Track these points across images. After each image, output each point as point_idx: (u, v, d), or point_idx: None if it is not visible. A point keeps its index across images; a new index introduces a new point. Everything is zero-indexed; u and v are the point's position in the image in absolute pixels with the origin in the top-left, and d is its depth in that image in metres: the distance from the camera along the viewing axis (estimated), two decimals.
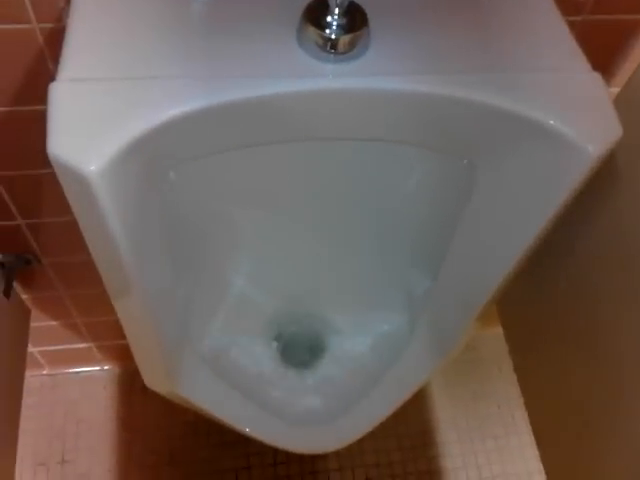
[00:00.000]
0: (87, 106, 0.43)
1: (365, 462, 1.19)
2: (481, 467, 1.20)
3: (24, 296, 0.98)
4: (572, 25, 0.54)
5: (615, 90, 0.65)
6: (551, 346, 0.79)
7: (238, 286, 0.81)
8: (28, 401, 0.99)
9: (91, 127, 0.42)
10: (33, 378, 1.21)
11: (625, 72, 0.69)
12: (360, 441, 0.74)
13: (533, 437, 0.85)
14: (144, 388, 0.70)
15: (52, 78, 0.44)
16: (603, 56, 0.67)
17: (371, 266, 0.78)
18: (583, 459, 0.73)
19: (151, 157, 0.46)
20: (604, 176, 0.52)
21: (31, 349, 1.13)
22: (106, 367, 1.25)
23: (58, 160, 0.41)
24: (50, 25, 0.55)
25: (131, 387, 1.23)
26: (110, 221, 0.44)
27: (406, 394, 0.76)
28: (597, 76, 0.49)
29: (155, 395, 0.72)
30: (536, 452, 0.84)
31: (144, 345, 0.63)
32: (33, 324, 1.03)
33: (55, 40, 0.56)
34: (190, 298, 0.73)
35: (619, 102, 0.49)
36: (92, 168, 0.40)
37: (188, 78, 0.46)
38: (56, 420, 1.19)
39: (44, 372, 1.23)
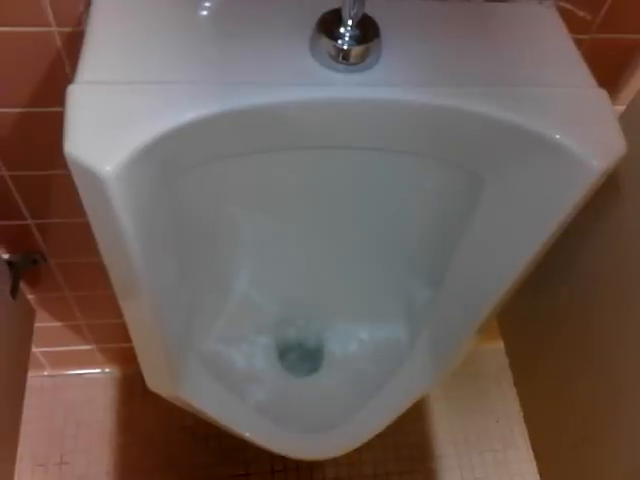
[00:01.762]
0: (104, 108, 0.44)
1: (362, 473, 1.18)
2: None
3: (29, 296, 0.99)
4: (579, 43, 0.55)
5: (620, 108, 0.66)
6: (551, 361, 0.79)
7: (240, 292, 0.81)
8: (28, 401, 0.98)
9: (107, 129, 0.43)
10: (34, 379, 1.21)
11: (630, 91, 0.70)
12: (358, 451, 0.75)
13: (531, 452, 0.85)
14: (144, 392, 0.71)
15: (69, 81, 0.45)
16: (609, 74, 0.68)
17: (373, 275, 0.79)
18: (581, 475, 0.74)
19: (165, 160, 0.47)
20: (607, 192, 0.53)
21: (33, 349, 1.13)
22: (107, 370, 1.25)
23: (74, 160, 0.42)
24: (69, 29, 0.56)
25: (131, 391, 1.24)
26: (122, 221, 0.45)
27: (405, 404, 0.76)
28: (603, 93, 0.50)
29: (155, 399, 0.72)
30: (534, 467, 0.84)
31: (149, 346, 0.63)
32: (37, 324, 1.03)
33: (73, 44, 0.57)
34: (194, 301, 0.73)
35: (623, 120, 0.50)
36: (108, 169, 0.41)
37: (203, 83, 0.47)
38: (56, 421, 1.20)
39: (45, 373, 1.23)
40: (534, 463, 0.84)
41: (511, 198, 0.55)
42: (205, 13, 0.52)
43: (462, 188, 0.61)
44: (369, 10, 0.49)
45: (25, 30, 0.56)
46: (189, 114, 0.45)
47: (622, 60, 0.67)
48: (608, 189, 0.51)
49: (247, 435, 0.74)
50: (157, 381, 0.70)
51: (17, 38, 0.57)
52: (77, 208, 0.47)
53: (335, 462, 1.18)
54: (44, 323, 1.06)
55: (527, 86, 0.51)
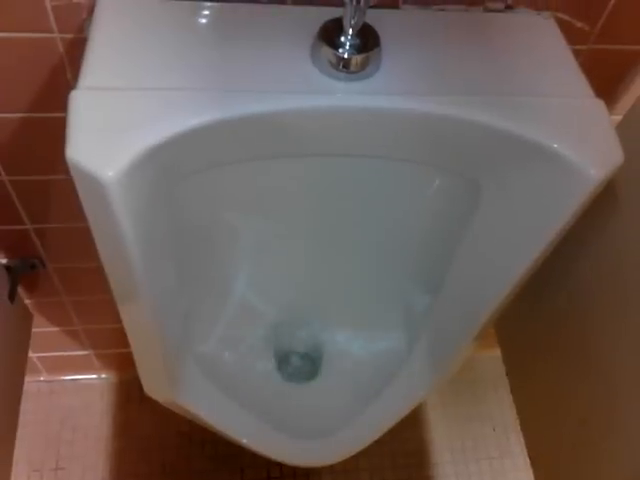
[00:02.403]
0: (106, 114, 0.44)
1: None
2: None
3: (27, 301, 0.99)
4: (577, 53, 0.56)
5: (616, 118, 0.66)
6: (548, 368, 0.79)
7: (239, 297, 0.81)
8: (24, 407, 0.98)
9: (109, 134, 0.43)
10: (31, 384, 1.20)
11: (627, 101, 0.70)
12: (354, 458, 0.75)
13: (528, 460, 0.85)
14: (140, 398, 0.71)
15: (71, 87, 0.46)
16: (606, 84, 0.68)
17: (372, 281, 0.79)
18: None
19: (166, 166, 0.47)
20: (604, 200, 0.53)
21: (30, 354, 1.13)
22: (104, 375, 1.25)
23: (76, 165, 0.42)
24: (71, 35, 0.57)
25: (128, 396, 1.23)
26: (123, 226, 0.45)
27: (403, 411, 0.76)
28: (600, 103, 0.51)
29: (151, 405, 0.72)
30: (531, 476, 0.84)
31: (146, 351, 0.63)
32: (34, 329, 1.03)
33: (75, 50, 0.57)
34: (192, 306, 0.73)
35: (620, 130, 0.51)
36: (109, 174, 0.41)
37: (204, 91, 0.47)
38: (52, 427, 1.19)
39: (41, 378, 1.23)
40: (530, 471, 0.84)
41: (509, 206, 0.56)
42: (206, 21, 0.53)
43: (461, 196, 0.61)
44: (370, 19, 0.49)
45: (27, 36, 0.56)
46: (190, 121, 0.46)
47: (619, 71, 0.68)
48: (605, 198, 0.52)
49: (244, 441, 0.74)
50: (154, 386, 0.70)
51: (19, 44, 0.57)
52: (76, 213, 0.47)
53: (332, 469, 1.18)
54: (41, 328, 1.06)
55: (526, 96, 0.51)
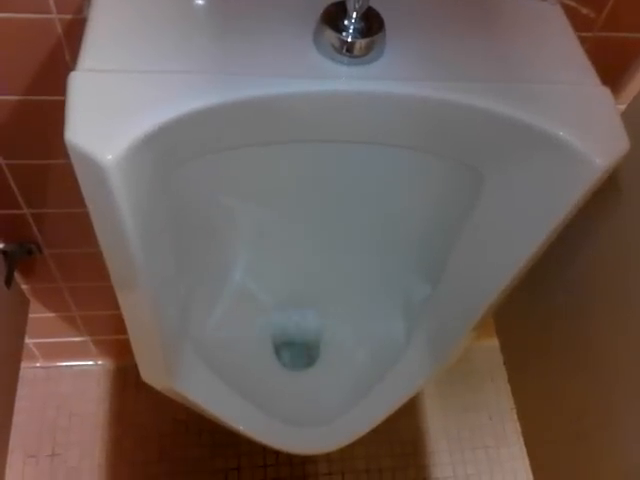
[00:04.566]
0: (105, 96, 0.44)
1: (355, 468, 1.19)
2: (470, 477, 1.20)
3: (24, 286, 0.98)
4: (582, 41, 0.55)
5: (621, 107, 0.66)
6: (546, 359, 0.80)
7: (237, 284, 0.81)
8: (20, 393, 0.98)
9: (109, 117, 0.43)
10: (27, 370, 1.20)
11: (631, 90, 0.70)
12: (351, 446, 0.75)
13: (524, 449, 0.85)
14: (137, 384, 0.71)
15: (69, 68, 0.45)
16: (611, 73, 0.67)
17: (371, 269, 0.79)
18: (574, 473, 0.74)
19: (165, 149, 0.46)
20: (607, 190, 0.53)
21: (26, 340, 1.12)
22: (100, 362, 1.25)
23: (75, 148, 0.41)
24: (69, 16, 0.56)
25: (124, 383, 1.23)
26: (122, 210, 0.45)
27: (400, 400, 0.76)
28: (606, 90, 0.50)
29: (148, 392, 0.72)
30: (527, 464, 0.84)
31: (144, 338, 0.63)
32: (30, 315, 1.03)
33: (74, 31, 0.56)
34: (190, 293, 0.73)
35: (624, 119, 0.50)
36: (109, 157, 0.41)
37: (205, 74, 0.47)
38: (48, 413, 1.19)
39: (38, 364, 1.23)
40: (527, 460, 0.84)
41: (512, 195, 0.55)
42: (207, 3, 0.52)
43: (463, 185, 0.60)
44: (374, 3, 0.48)
45: (25, 17, 0.56)
46: (190, 104, 0.45)
47: (624, 59, 0.67)
48: (608, 187, 0.51)
49: (241, 428, 0.74)
50: (152, 373, 0.70)
51: (17, 25, 0.56)
52: (73, 199, 0.47)
53: (328, 457, 1.19)
54: (38, 314, 1.05)
55: (530, 82, 0.50)
